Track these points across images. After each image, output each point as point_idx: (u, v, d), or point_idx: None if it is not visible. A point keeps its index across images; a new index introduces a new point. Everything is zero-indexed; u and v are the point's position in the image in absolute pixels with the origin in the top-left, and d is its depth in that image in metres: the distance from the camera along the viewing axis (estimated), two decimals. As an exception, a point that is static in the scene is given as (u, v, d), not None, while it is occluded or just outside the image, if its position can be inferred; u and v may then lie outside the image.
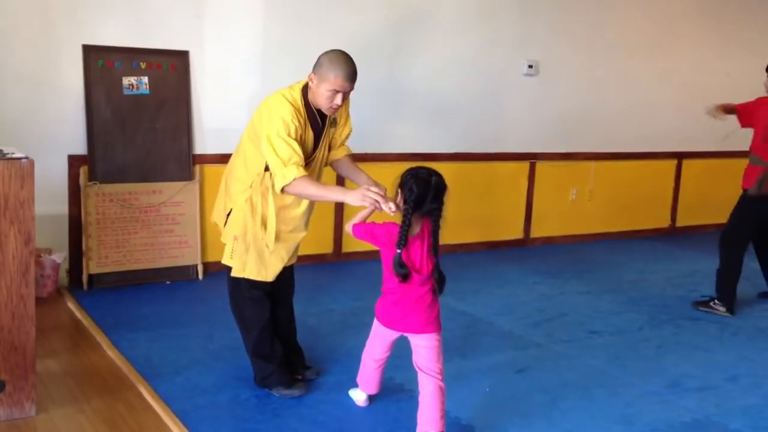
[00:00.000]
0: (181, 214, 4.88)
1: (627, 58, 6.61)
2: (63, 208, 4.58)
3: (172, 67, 4.77)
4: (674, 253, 6.20)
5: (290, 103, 3.04)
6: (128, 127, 4.67)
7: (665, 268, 5.85)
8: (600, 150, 6.63)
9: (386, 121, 5.56)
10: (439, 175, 2.83)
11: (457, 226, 5.79)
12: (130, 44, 4.63)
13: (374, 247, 2.93)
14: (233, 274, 3.23)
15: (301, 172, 2.96)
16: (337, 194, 3.03)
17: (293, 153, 2.97)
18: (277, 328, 3.37)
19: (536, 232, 6.46)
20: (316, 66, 3.07)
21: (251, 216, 3.14)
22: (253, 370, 3.34)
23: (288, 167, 2.95)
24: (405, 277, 2.80)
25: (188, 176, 4.88)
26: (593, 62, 6.44)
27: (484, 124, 6.03)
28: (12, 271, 2.81)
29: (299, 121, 3.05)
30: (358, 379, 3.22)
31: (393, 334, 3.00)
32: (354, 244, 5.37)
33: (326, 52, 3.08)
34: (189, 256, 4.93)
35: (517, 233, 6.39)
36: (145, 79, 4.69)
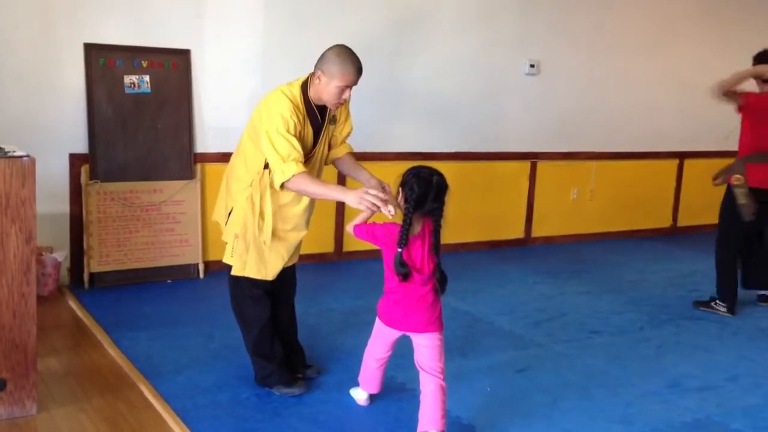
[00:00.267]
0: (182, 212, 4.88)
1: (628, 58, 6.61)
2: (64, 206, 4.59)
3: (173, 66, 4.77)
4: (675, 253, 6.20)
5: (289, 99, 3.04)
6: (129, 125, 4.67)
7: (666, 268, 5.85)
8: (601, 150, 6.63)
9: (387, 120, 5.56)
10: (440, 175, 2.83)
11: (458, 225, 5.79)
12: (131, 43, 4.63)
13: (375, 247, 2.94)
14: (233, 272, 3.23)
15: (301, 168, 2.96)
16: (336, 193, 3.03)
17: (292, 149, 2.97)
18: (278, 327, 3.37)
19: (537, 232, 6.46)
20: (323, 62, 3.06)
21: (251, 214, 3.14)
22: (254, 369, 3.34)
23: (287, 163, 2.95)
24: (406, 277, 2.80)
25: (189, 175, 4.88)
26: (594, 62, 6.44)
27: (485, 124, 6.03)
28: (13, 269, 2.81)
29: (298, 117, 3.05)
30: (360, 379, 3.22)
31: (395, 334, 3.00)
32: (355, 243, 5.37)
33: (331, 48, 3.08)
34: (190, 255, 4.93)
35: (518, 233, 6.39)
36: (147, 78, 4.69)
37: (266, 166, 3.08)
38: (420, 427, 2.88)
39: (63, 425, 2.90)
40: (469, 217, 5.97)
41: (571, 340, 4.19)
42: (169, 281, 4.84)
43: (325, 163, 3.36)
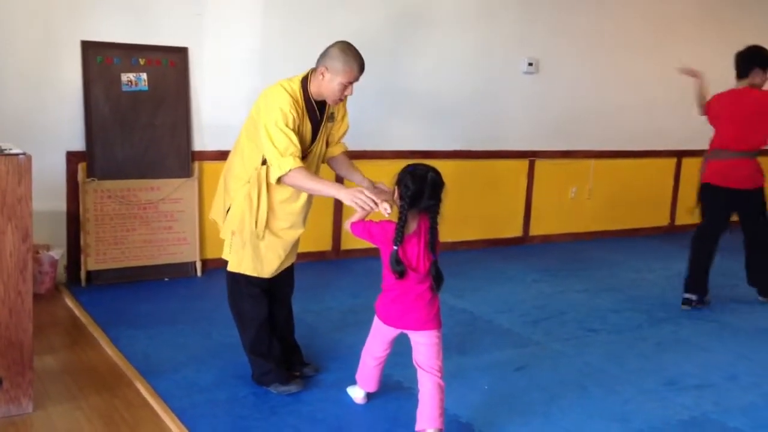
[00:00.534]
0: (180, 211, 4.87)
1: (627, 56, 6.60)
2: (61, 204, 4.58)
3: (171, 64, 4.76)
4: (673, 252, 6.18)
5: (289, 94, 3.04)
6: (127, 123, 4.66)
7: (664, 267, 5.84)
8: (600, 148, 6.62)
9: (386, 118, 5.55)
10: (436, 172, 2.82)
11: (457, 223, 5.79)
12: (128, 40, 4.62)
13: (373, 245, 2.93)
14: (229, 268, 3.23)
15: (298, 163, 2.96)
16: (331, 189, 3.01)
17: (290, 144, 2.97)
18: (275, 325, 3.36)
19: (535, 230, 6.46)
20: (327, 59, 3.06)
21: (249, 211, 3.14)
22: (251, 367, 3.34)
23: (285, 158, 2.95)
24: (401, 274, 2.80)
25: (187, 173, 4.87)
26: (593, 60, 6.44)
27: (484, 122, 6.02)
28: (10, 267, 2.81)
29: (297, 112, 3.05)
30: (357, 377, 3.22)
31: (393, 332, 3.00)
32: (353, 241, 5.37)
33: (335, 45, 3.09)
34: (187, 253, 4.92)
35: (516, 231, 6.39)
36: (144, 76, 4.68)
37: (264, 162, 3.07)
38: (418, 426, 2.88)
39: (59, 423, 2.90)
40: (467, 215, 5.97)
41: (569, 339, 4.19)
42: (166, 279, 4.83)
43: (322, 161, 3.36)
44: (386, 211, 2.77)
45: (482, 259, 5.83)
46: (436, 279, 2.87)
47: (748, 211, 4.77)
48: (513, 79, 6.09)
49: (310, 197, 3.23)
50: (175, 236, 4.87)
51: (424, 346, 2.90)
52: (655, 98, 6.83)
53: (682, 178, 7.16)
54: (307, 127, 3.14)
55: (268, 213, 3.13)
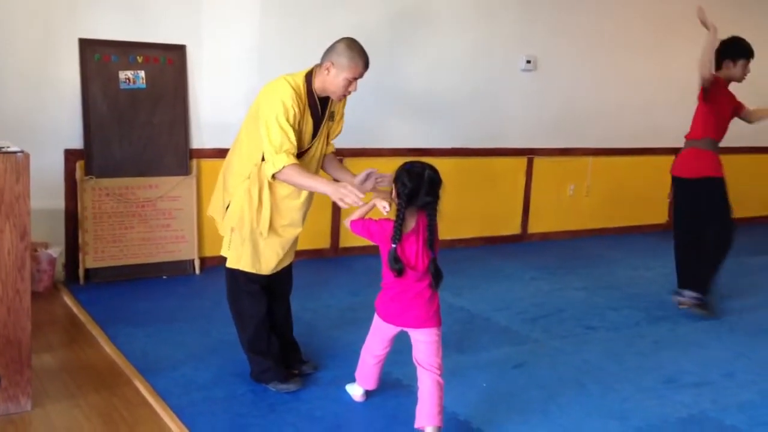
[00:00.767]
0: (178, 208, 4.87)
1: (625, 54, 6.60)
2: (59, 202, 4.57)
3: (169, 62, 4.76)
4: (671, 250, 6.19)
5: (292, 87, 3.05)
6: (125, 121, 4.66)
7: (662, 264, 5.84)
8: (598, 146, 6.62)
9: (385, 116, 5.55)
10: (433, 169, 2.83)
11: (455, 221, 5.79)
12: (126, 38, 4.61)
13: (371, 242, 2.93)
14: (228, 264, 3.23)
15: (291, 160, 2.97)
16: (322, 185, 3.00)
17: (286, 140, 2.98)
18: (274, 323, 3.36)
19: (534, 228, 6.46)
20: (333, 54, 3.07)
21: (248, 207, 3.14)
22: (250, 365, 3.34)
23: (279, 155, 2.97)
24: (400, 272, 2.80)
25: (185, 171, 4.87)
26: (591, 58, 6.44)
27: (482, 120, 6.02)
28: (8, 265, 2.81)
29: (299, 106, 3.05)
30: (356, 375, 3.22)
31: (393, 329, 3.00)
32: (351, 239, 5.37)
33: (341, 41, 3.10)
34: (186, 251, 4.92)
35: (514, 229, 6.39)
36: (142, 74, 4.67)
37: (264, 158, 3.08)
38: (417, 423, 2.88)
39: (58, 421, 2.90)
40: (465, 212, 5.97)
41: (567, 336, 4.19)
42: (164, 277, 4.83)
43: (320, 161, 3.35)
44: (385, 209, 2.77)
45: (480, 256, 5.83)
46: (435, 276, 2.87)
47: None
48: (512, 77, 6.08)
49: (311, 195, 3.23)
50: (173, 234, 4.86)
51: (424, 343, 2.90)
52: (654, 97, 6.83)
53: (680, 176, 7.16)
54: (309, 123, 3.15)
55: (273, 209, 3.14)
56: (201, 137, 4.95)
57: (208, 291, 4.56)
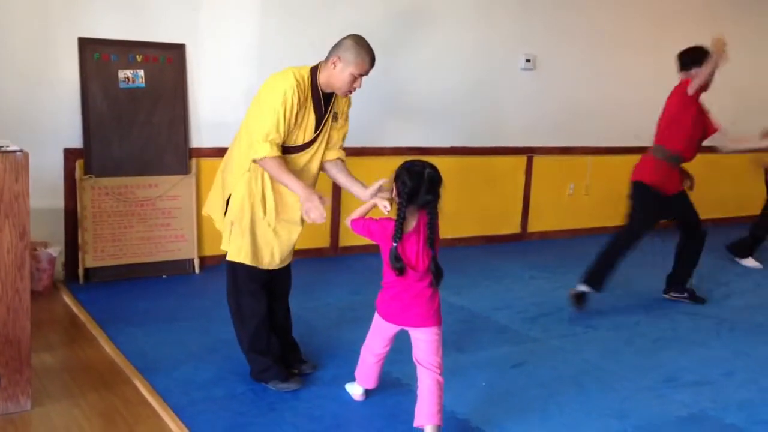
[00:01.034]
0: (178, 208, 4.86)
1: (625, 53, 6.60)
2: (59, 201, 4.57)
3: (168, 61, 4.75)
4: (670, 248, 6.19)
5: (296, 78, 3.06)
6: (124, 120, 4.65)
7: (662, 263, 5.84)
8: (597, 145, 6.62)
9: (384, 115, 5.54)
10: (433, 168, 2.83)
11: (455, 220, 5.78)
12: (126, 37, 4.61)
13: (371, 241, 2.93)
14: (228, 257, 3.23)
15: (275, 152, 3.00)
16: (297, 187, 3.00)
17: (274, 130, 3.00)
18: (274, 323, 3.36)
19: (533, 227, 6.46)
20: (340, 49, 3.08)
21: (248, 200, 3.14)
22: (250, 364, 3.34)
23: (263, 144, 2.99)
24: (400, 271, 2.80)
25: (185, 170, 4.87)
26: (591, 57, 6.43)
27: (482, 119, 6.02)
28: (7, 264, 2.80)
29: (300, 98, 3.05)
30: (356, 374, 3.22)
31: (393, 328, 3.00)
32: (351, 238, 5.37)
33: (349, 37, 3.11)
34: (185, 250, 4.92)
35: (514, 228, 6.39)
36: (141, 73, 4.67)
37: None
38: (416, 422, 2.88)
39: (57, 421, 2.90)
40: (465, 211, 5.97)
41: (567, 335, 4.19)
42: (164, 276, 4.83)
43: (321, 169, 3.31)
44: (385, 208, 2.78)
45: (480, 255, 5.83)
46: (436, 275, 2.87)
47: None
48: (511, 76, 6.08)
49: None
50: (172, 233, 4.86)
51: (424, 342, 2.90)
52: (653, 95, 6.80)
53: (680, 175, 7.16)
54: (311, 117, 3.14)
55: (276, 200, 3.14)
56: (200, 136, 4.94)
57: (207, 290, 4.56)
